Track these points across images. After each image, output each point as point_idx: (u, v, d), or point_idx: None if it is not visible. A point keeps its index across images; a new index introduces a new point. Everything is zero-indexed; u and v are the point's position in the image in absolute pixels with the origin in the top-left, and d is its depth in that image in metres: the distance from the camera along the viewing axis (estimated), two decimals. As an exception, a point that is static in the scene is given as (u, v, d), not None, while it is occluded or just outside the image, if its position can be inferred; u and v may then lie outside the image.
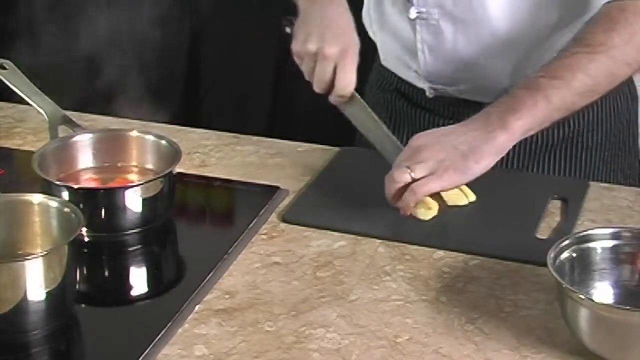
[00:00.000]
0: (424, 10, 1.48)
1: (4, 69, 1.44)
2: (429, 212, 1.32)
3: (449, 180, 1.29)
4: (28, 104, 1.43)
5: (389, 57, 1.62)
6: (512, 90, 1.32)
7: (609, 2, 1.33)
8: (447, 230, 1.31)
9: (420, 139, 1.33)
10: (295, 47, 1.38)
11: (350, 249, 1.27)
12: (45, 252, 1.10)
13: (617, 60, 1.30)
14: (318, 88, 1.37)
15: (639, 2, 1.31)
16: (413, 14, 1.49)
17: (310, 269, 1.23)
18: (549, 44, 1.44)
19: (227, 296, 1.17)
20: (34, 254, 1.12)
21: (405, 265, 1.23)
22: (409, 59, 1.56)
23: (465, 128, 1.31)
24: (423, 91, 1.56)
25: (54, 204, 1.15)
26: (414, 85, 1.57)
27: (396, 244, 1.27)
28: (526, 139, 1.34)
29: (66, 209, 1.14)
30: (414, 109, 1.60)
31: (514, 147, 1.31)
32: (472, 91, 1.52)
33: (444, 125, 1.38)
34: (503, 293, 1.18)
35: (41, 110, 1.41)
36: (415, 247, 1.27)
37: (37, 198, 1.16)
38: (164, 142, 1.34)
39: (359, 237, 1.29)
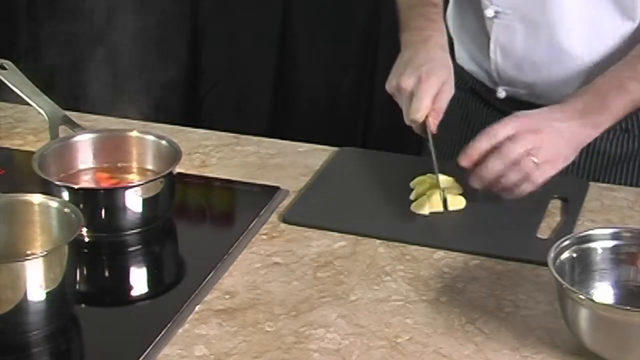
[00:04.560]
0: (500, 10, 1.48)
1: (4, 69, 1.44)
2: (432, 207, 1.33)
3: (558, 169, 1.30)
4: (28, 104, 1.43)
5: (463, 55, 1.62)
6: (600, 85, 1.35)
7: None
8: (447, 230, 1.31)
9: (528, 120, 1.31)
10: (386, 86, 1.41)
11: (350, 248, 1.27)
12: (46, 252, 1.10)
13: None
14: (405, 120, 1.38)
15: None
16: (490, 12, 1.50)
17: (310, 269, 1.23)
18: (615, 58, 1.43)
19: (227, 296, 1.17)
20: (34, 254, 1.12)
21: (406, 265, 1.23)
22: (482, 58, 1.56)
23: (563, 115, 1.32)
24: (494, 91, 1.57)
25: (54, 204, 1.15)
26: (486, 85, 1.58)
27: (396, 244, 1.27)
28: None
29: (66, 209, 1.14)
30: (486, 108, 1.60)
31: None
32: (543, 95, 1.50)
33: None
34: (503, 293, 1.18)
35: (41, 110, 1.40)
36: (415, 247, 1.27)
37: (37, 198, 1.16)
38: (164, 142, 1.34)
39: (359, 237, 1.29)
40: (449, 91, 1.38)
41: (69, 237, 1.10)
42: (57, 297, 1.08)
